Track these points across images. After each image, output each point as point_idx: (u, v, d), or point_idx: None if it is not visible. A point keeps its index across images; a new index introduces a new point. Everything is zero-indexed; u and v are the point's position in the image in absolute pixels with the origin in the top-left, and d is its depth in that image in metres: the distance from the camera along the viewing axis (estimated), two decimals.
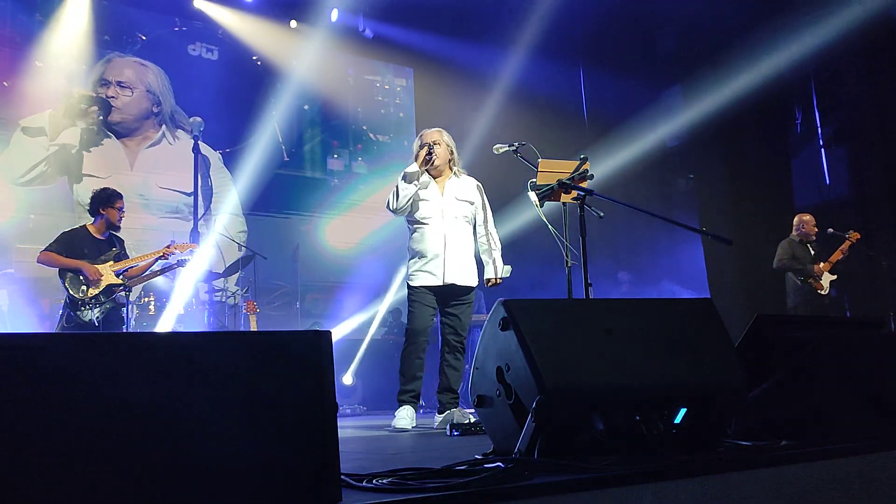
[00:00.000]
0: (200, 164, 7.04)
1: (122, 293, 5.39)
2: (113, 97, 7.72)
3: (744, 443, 2.23)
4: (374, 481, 1.66)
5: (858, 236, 6.94)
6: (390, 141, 9.74)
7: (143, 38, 8.16)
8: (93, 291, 5.22)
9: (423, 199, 4.47)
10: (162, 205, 7.78)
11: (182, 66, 8.34)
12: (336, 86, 9.42)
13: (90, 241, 5.38)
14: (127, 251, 5.64)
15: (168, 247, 5.66)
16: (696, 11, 8.37)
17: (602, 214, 3.78)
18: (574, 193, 3.81)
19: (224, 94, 8.34)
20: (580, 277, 3.77)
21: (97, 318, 5.22)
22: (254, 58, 8.79)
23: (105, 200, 5.41)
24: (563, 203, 3.97)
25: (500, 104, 9.01)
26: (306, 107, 9.13)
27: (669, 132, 9.99)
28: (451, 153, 4.56)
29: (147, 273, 5.70)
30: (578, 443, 1.98)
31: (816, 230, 7.07)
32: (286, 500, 1.43)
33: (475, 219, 4.59)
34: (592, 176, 3.88)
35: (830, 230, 7.10)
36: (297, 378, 1.52)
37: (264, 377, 1.49)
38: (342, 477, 1.55)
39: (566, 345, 2.03)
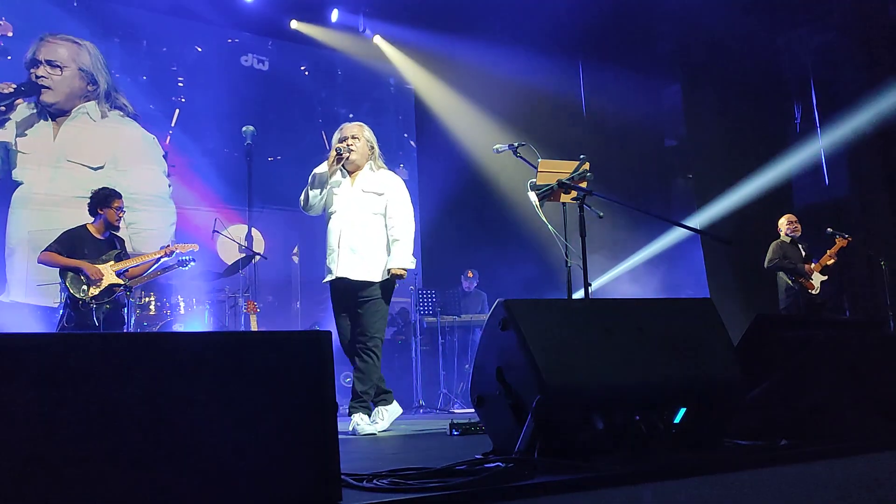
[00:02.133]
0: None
1: (123, 293, 5.39)
2: (43, 77, 7.62)
3: (744, 443, 2.23)
4: (374, 481, 1.66)
5: (850, 239, 6.94)
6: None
7: (199, 49, 8.49)
8: (93, 291, 5.22)
9: (334, 194, 4.37)
10: (69, 179, 7.56)
11: (234, 76, 8.68)
12: (378, 94, 9.80)
13: (91, 240, 5.37)
14: (128, 251, 5.65)
15: (169, 246, 5.68)
16: (696, 11, 8.37)
17: (602, 214, 3.78)
18: (574, 193, 3.81)
19: (274, 104, 8.75)
20: (580, 277, 3.76)
21: (98, 318, 5.22)
22: (301, 68, 9.22)
23: (102, 201, 5.40)
24: (563, 203, 3.97)
25: (501, 102, 9.02)
26: (351, 115, 9.38)
27: (669, 131, 10.00)
28: (371, 148, 4.43)
29: (148, 273, 5.70)
30: (578, 443, 1.98)
31: (799, 226, 7.07)
32: (286, 499, 1.43)
33: (387, 211, 4.36)
34: (592, 176, 3.88)
35: (830, 230, 7.10)
36: (297, 378, 1.52)
37: (264, 377, 1.49)
38: (342, 477, 1.55)
39: (566, 345, 2.03)
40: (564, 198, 3.90)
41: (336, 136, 4.43)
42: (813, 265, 6.89)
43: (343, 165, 4.34)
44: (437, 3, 8.79)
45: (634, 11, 8.79)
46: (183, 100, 8.35)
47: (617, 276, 9.43)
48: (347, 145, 4.32)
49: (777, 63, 9.17)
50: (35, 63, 7.57)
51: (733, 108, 8.67)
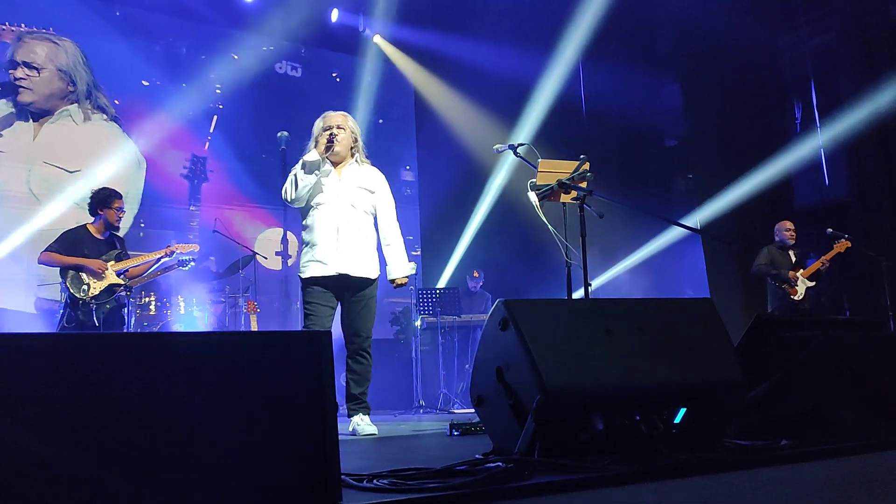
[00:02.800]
0: None
1: (123, 293, 5.39)
2: (22, 78, 7.58)
3: (744, 443, 2.23)
4: (374, 481, 1.66)
5: (849, 244, 6.90)
6: None
7: (235, 56, 8.72)
8: (94, 291, 5.22)
9: (322, 184, 4.14)
10: (43, 181, 7.56)
11: (269, 83, 8.94)
12: (407, 101, 10.03)
13: (91, 240, 5.37)
14: (128, 251, 5.65)
15: (169, 246, 5.69)
16: (696, 11, 8.37)
17: (602, 214, 3.77)
18: (574, 193, 3.81)
19: (307, 110, 8.98)
20: (580, 277, 3.76)
21: (98, 318, 5.22)
22: (333, 74, 9.54)
23: (102, 201, 5.40)
24: (563, 203, 3.97)
25: (501, 102, 9.02)
26: (381, 121, 9.65)
27: (669, 131, 10.00)
28: (355, 140, 4.24)
29: (148, 273, 5.70)
30: (578, 443, 1.97)
31: (795, 235, 7.07)
32: (286, 499, 1.43)
33: (375, 210, 4.24)
34: (592, 176, 3.88)
35: (830, 230, 7.10)
36: (297, 378, 1.52)
37: (264, 377, 1.49)
38: (342, 477, 1.55)
39: (566, 345, 2.03)
40: (564, 198, 3.89)
41: (319, 124, 4.22)
42: (801, 272, 6.88)
43: (328, 155, 4.15)
44: (437, 2, 8.80)
45: (635, 11, 8.79)
46: (221, 106, 8.57)
47: (617, 276, 9.43)
48: (333, 135, 4.14)
49: (777, 63, 9.16)
50: (13, 64, 7.52)
51: (733, 108, 8.66)
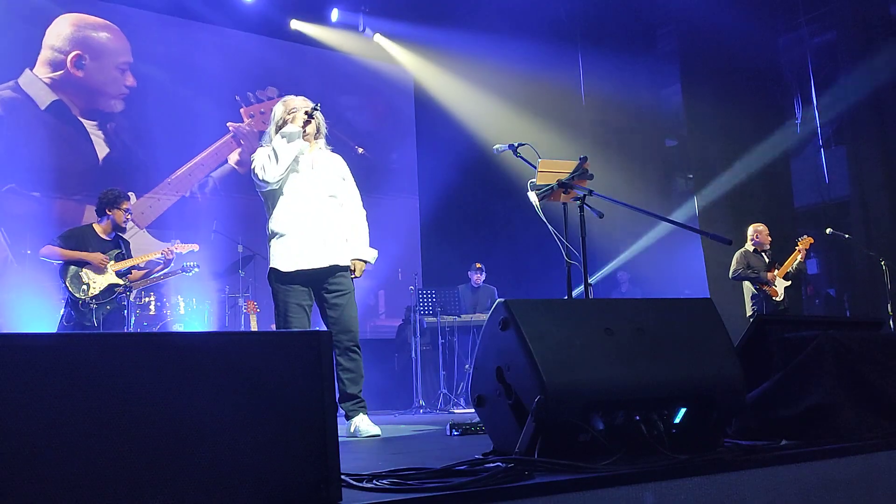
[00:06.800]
0: None
1: (124, 294, 5.39)
2: None
3: (744, 443, 2.23)
4: (374, 481, 1.66)
5: (812, 241, 6.93)
6: None
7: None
8: (93, 291, 5.22)
9: (296, 171, 3.91)
10: None
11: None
12: (403, 96, 10.06)
13: (96, 240, 5.38)
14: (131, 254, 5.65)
15: (168, 246, 5.70)
16: (697, 10, 8.37)
17: (602, 214, 3.77)
18: (574, 193, 3.80)
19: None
20: (580, 277, 3.76)
21: (97, 318, 5.22)
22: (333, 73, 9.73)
23: (112, 202, 5.41)
24: (563, 203, 3.97)
25: (501, 101, 9.03)
26: (380, 119, 9.93)
27: (669, 131, 10.01)
28: (318, 129, 4.04)
29: (151, 277, 5.71)
30: (578, 443, 1.98)
31: (770, 239, 7.09)
32: (286, 499, 1.43)
33: (342, 196, 4.07)
34: (592, 175, 3.87)
35: (830, 230, 7.10)
36: (297, 378, 1.52)
37: (264, 377, 1.49)
38: (342, 477, 1.55)
39: (566, 345, 2.03)
40: (564, 198, 3.89)
41: (281, 108, 3.99)
42: (776, 272, 6.89)
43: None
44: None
45: (635, 11, 8.80)
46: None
47: (617, 276, 9.43)
48: (315, 108, 3.94)
49: (777, 63, 9.17)
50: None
51: (734, 108, 8.67)
